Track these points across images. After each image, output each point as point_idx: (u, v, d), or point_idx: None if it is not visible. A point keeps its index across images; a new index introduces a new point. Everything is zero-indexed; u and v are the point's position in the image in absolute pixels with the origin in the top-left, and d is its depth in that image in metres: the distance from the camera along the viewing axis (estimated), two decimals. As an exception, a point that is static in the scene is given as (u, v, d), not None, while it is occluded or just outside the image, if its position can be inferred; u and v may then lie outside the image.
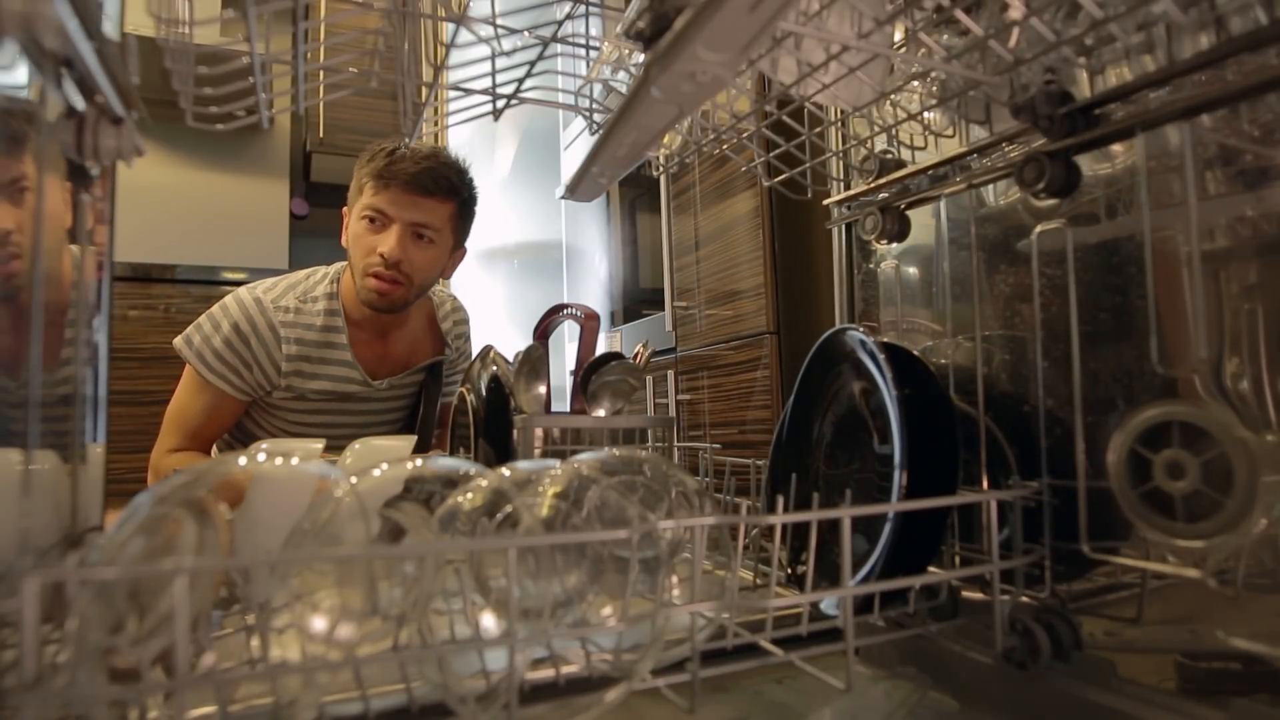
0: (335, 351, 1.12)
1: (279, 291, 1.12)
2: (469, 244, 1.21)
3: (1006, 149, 0.55)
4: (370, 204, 1.06)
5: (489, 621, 0.39)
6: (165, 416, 1.10)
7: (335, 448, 0.46)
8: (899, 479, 0.48)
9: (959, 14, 0.45)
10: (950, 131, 0.61)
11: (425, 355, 1.24)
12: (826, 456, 0.62)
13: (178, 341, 1.09)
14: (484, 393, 0.78)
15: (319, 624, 0.34)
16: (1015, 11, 0.46)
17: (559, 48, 0.60)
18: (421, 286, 1.13)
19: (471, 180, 1.15)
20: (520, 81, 0.58)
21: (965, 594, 0.55)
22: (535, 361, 0.73)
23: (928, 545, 0.50)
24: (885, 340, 0.58)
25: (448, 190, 1.09)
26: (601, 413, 0.74)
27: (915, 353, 0.57)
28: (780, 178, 0.68)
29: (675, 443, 0.78)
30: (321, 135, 2.39)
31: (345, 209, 1.16)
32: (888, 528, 0.47)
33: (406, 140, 1.04)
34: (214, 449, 1.15)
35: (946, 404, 0.54)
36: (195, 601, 0.32)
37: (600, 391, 0.75)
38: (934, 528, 0.50)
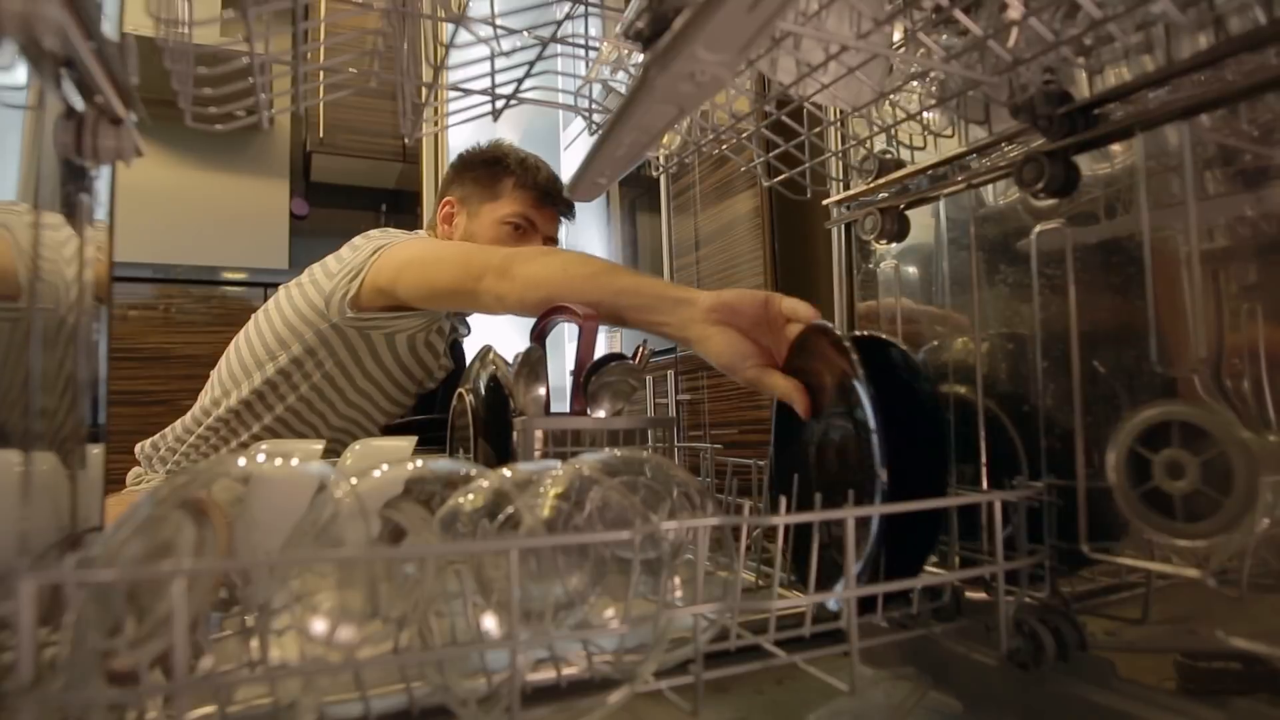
0: None
1: None
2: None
3: (1006, 149, 0.55)
4: (524, 213, 1.14)
5: (490, 623, 0.38)
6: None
7: (335, 450, 0.46)
8: (882, 477, 0.47)
9: (958, 14, 0.45)
10: (949, 131, 0.61)
11: None
12: (826, 456, 0.61)
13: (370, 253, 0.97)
14: (483, 393, 0.78)
15: (319, 626, 0.34)
16: (1014, 11, 0.46)
17: (558, 48, 0.59)
18: None
19: None
20: (520, 82, 0.58)
21: (968, 594, 0.55)
22: (534, 363, 0.73)
23: (922, 543, 0.50)
24: (859, 334, 0.58)
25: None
26: (602, 414, 0.74)
27: (904, 348, 0.56)
28: (780, 178, 0.68)
29: (676, 443, 0.77)
30: (321, 135, 2.38)
31: (452, 199, 1.16)
32: (873, 526, 0.47)
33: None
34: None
35: (930, 398, 0.54)
36: (194, 603, 0.32)
37: (600, 392, 0.75)
38: (926, 525, 0.50)
